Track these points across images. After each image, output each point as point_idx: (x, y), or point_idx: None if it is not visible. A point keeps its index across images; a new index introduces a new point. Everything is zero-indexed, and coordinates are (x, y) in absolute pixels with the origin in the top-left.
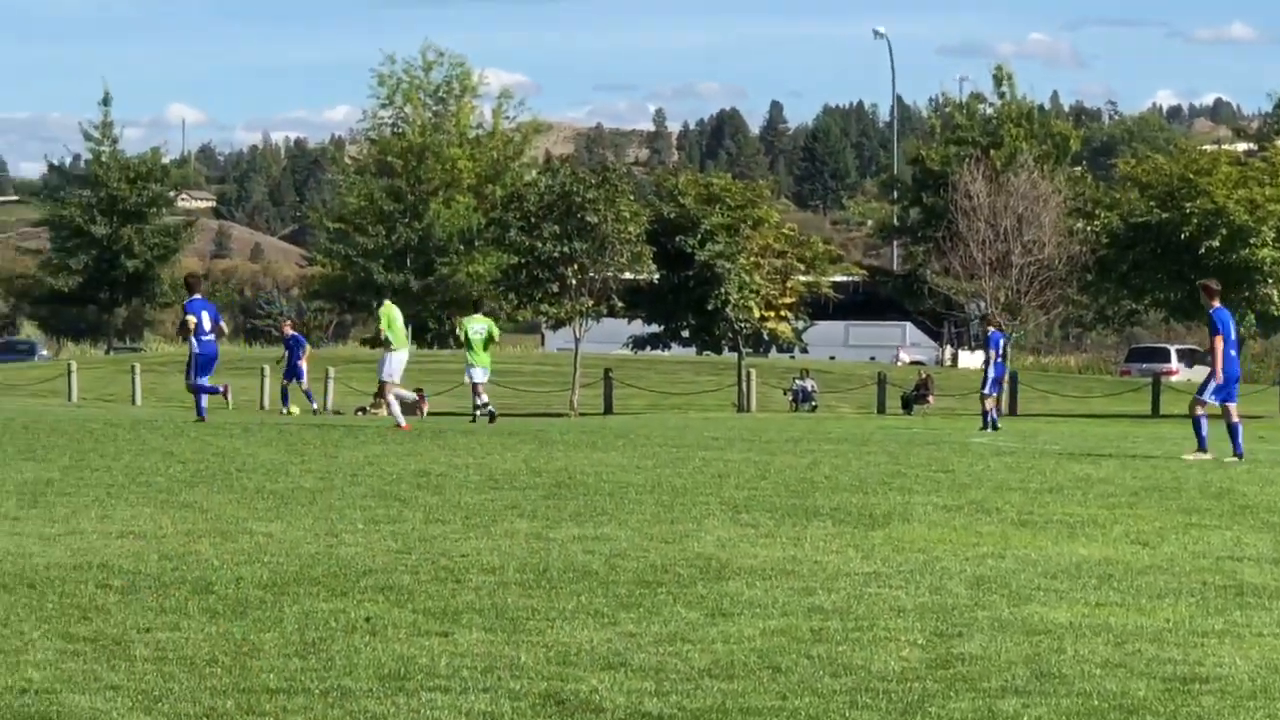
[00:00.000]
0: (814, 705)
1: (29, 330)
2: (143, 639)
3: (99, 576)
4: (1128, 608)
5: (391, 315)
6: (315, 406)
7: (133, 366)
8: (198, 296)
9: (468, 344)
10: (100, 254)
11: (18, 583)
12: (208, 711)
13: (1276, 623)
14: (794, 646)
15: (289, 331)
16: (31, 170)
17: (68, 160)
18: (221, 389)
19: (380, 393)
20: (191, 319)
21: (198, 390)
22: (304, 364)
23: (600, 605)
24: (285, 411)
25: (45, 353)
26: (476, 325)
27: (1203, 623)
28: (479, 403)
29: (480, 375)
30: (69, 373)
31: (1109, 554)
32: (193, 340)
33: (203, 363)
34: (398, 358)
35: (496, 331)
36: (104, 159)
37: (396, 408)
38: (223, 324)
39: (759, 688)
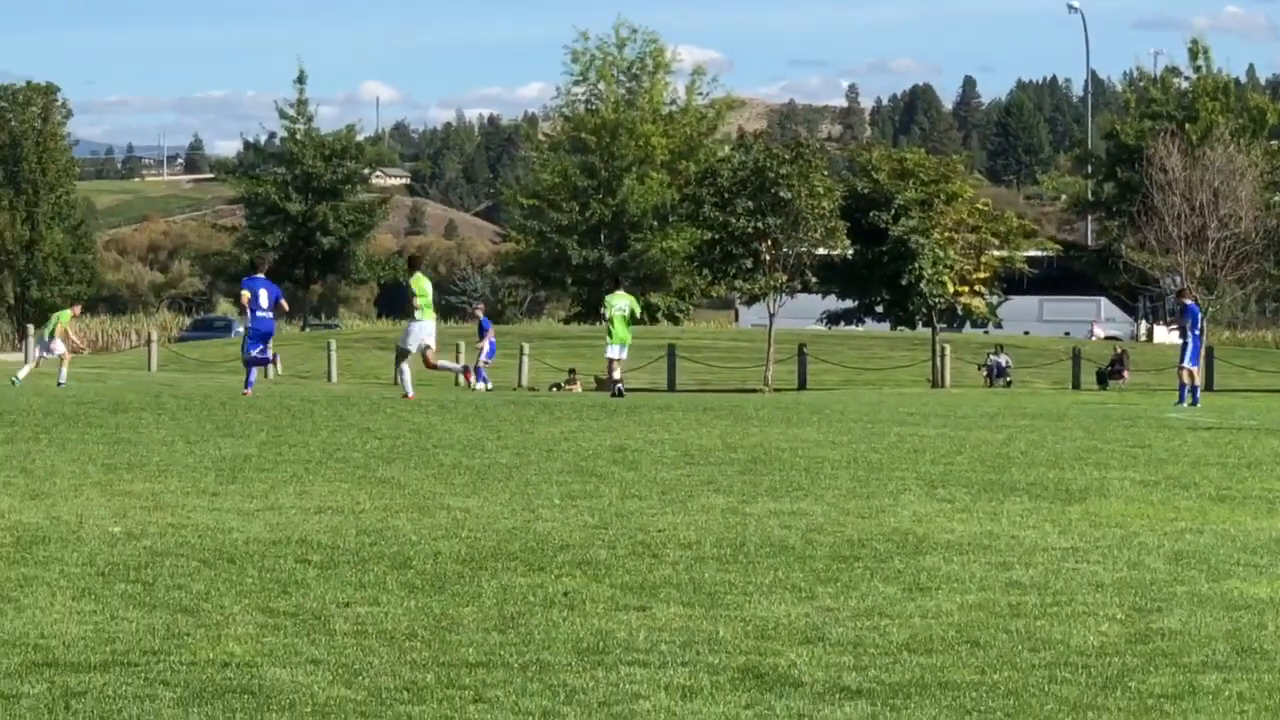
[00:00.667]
0: (1013, 679)
1: (225, 307)
2: (342, 613)
3: (298, 551)
4: None
5: (423, 286)
6: (482, 385)
7: (328, 343)
8: (259, 275)
9: (609, 320)
10: (295, 231)
11: (218, 558)
12: (407, 685)
13: None
14: (992, 621)
15: (480, 314)
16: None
17: (263, 138)
18: (271, 357)
19: (399, 360)
20: (246, 294)
21: (249, 363)
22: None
23: (797, 580)
24: (488, 388)
25: (241, 330)
26: (619, 303)
27: None
28: (614, 378)
29: (616, 352)
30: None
31: None
32: (248, 314)
33: (254, 336)
34: (420, 327)
35: (638, 308)
36: (299, 137)
37: (407, 377)
38: (283, 302)
39: (957, 662)
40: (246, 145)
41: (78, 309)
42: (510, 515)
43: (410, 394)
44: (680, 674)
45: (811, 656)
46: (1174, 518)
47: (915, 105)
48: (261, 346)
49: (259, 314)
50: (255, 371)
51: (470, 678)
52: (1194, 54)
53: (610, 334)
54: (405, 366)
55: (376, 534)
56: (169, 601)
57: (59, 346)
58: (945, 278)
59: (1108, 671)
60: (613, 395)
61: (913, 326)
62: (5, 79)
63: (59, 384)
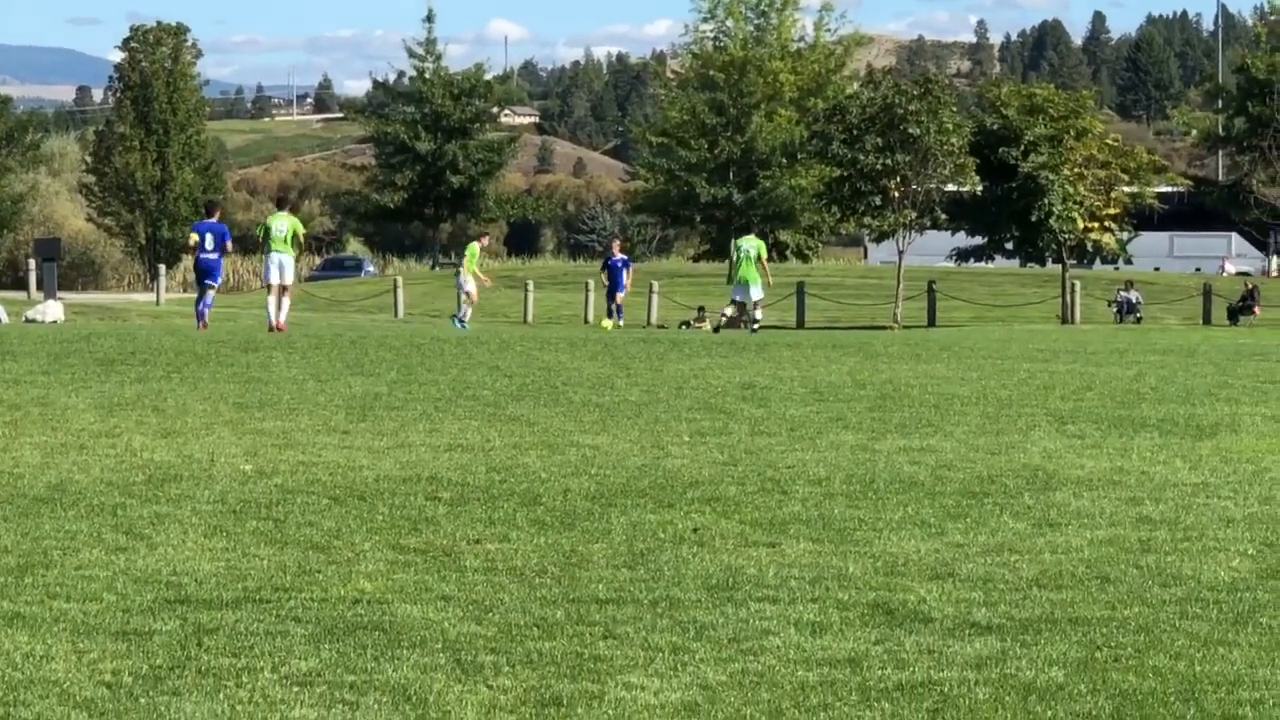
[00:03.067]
0: (1143, 615)
1: (355, 246)
2: (472, 550)
3: (428, 489)
4: None
5: (276, 225)
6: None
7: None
8: (207, 219)
9: (736, 263)
10: (425, 170)
11: (348, 495)
12: (538, 621)
13: None
14: (1122, 557)
15: (618, 253)
16: (357, 88)
17: (392, 77)
18: (209, 299)
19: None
20: (194, 237)
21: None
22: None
23: (927, 516)
24: (619, 324)
25: (372, 269)
26: (745, 245)
27: None
28: (743, 316)
29: (743, 293)
30: (395, 288)
31: None
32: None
33: (197, 276)
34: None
35: (764, 252)
36: (428, 75)
37: (270, 307)
38: (227, 243)
39: (1087, 598)
40: (375, 84)
41: (485, 240)
42: (639, 452)
43: (273, 323)
44: (809, 610)
45: (941, 592)
46: None
47: (1044, 40)
48: (205, 284)
49: (202, 255)
50: (205, 310)
51: (600, 614)
52: None
53: (731, 276)
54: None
55: (506, 471)
56: (300, 539)
57: (468, 283)
58: (1075, 214)
59: (1239, 607)
60: (751, 329)
61: (1042, 263)
62: (135, 20)
63: (460, 324)
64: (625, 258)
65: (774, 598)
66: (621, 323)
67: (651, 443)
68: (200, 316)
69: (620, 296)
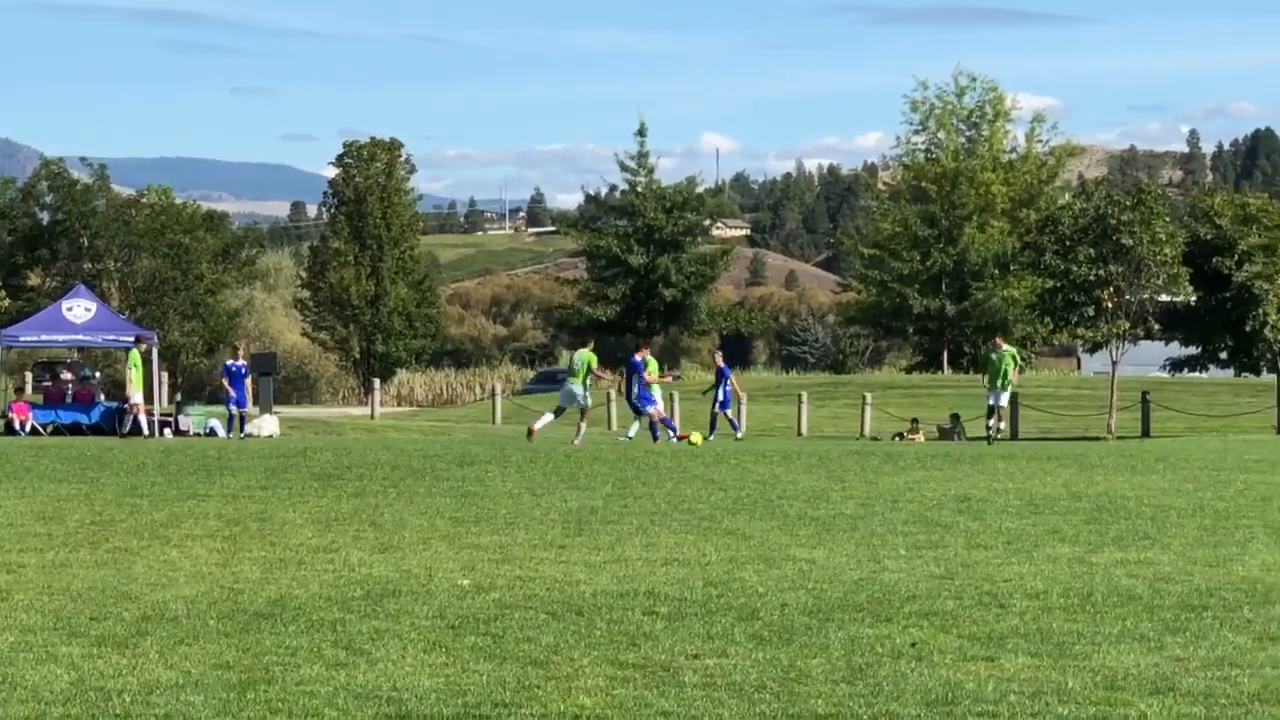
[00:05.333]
0: None
1: (567, 360)
2: (690, 665)
3: (645, 603)
4: None
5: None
6: (739, 433)
7: (671, 395)
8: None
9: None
10: (637, 283)
11: (566, 610)
12: None
13: None
14: None
15: (720, 363)
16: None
17: (604, 191)
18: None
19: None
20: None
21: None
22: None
23: (1146, 629)
24: (711, 437)
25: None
26: (997, 354)
27: None
28: (991, 424)
29: (993, 399)
30: (607, 402)
31: None
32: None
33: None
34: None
35: (1012, 361)
36: (640, 189)
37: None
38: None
39: None
40: (587, 198)
41: (645, 350)
42: (856, 566)
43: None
44: None
45: (1162, 707)
46: None
47: (1257, 149)
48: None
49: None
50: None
51: None
52: None
53: (986, 383)
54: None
55: (723, 585)
56: (518, 654)
57: (655, 398)
58: None
59: None
60: (993, 439)
61: (1257, 373)
62: (350, 136)
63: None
64: (724, 367)
65: (994, 713)
66: (740, 434)
67: (868, 556)
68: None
69: (728, 410)
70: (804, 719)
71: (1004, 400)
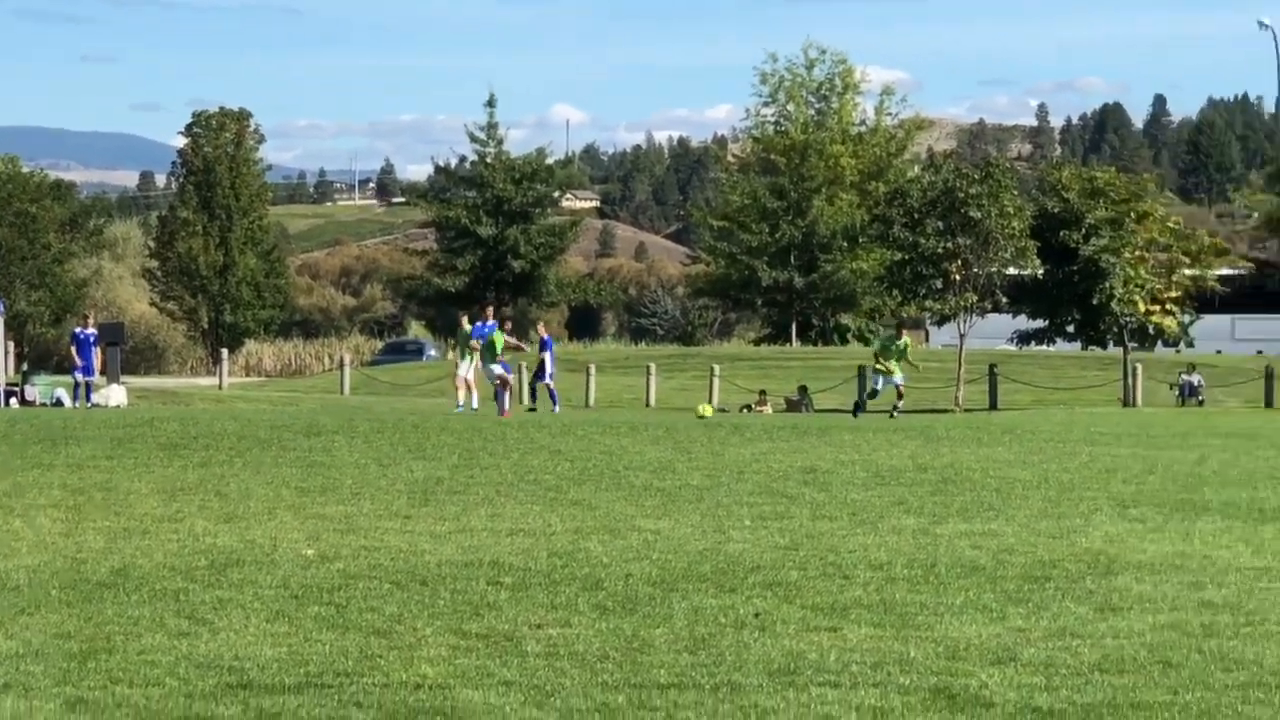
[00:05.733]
0: (1205, 700)
1: (417, 330)
2: (534, 635)
3: (490, 573)
4: None
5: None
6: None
7: (520, 366)
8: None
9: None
10: (486, 254)
11: (410, 580)
12: (599, 707)
13: None
14: (1185, 641)
15: (544, 334)
16: (419, 172)
17: (454, 162)
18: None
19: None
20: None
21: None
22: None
23: (988, 600)
24: (530, 408)
25: (433, 352)
26: (899, 342)
27: None
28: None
29: (894, 380)
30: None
31: None
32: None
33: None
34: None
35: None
36: (490, 160)
37: None
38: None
39: (1149, 682)
40: (437, 169)
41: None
42: (701, 537)
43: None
44: (871, 695)
45: (1003, 677)
46: None
47: (1105, 124)
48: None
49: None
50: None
51: (662, 699)
52: None
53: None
54: None
55: (568, 556)
56: (362, 623)
57: (498, 367)
58: (1136, 297)
59: None
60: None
61: (1104, 346)
62: (199, 106)
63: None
64: (547, 338)
65: (836, 683)
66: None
67: (713, 527)
68: None
69: (545, 380)
70: (646, 688)
71: (900, 379)
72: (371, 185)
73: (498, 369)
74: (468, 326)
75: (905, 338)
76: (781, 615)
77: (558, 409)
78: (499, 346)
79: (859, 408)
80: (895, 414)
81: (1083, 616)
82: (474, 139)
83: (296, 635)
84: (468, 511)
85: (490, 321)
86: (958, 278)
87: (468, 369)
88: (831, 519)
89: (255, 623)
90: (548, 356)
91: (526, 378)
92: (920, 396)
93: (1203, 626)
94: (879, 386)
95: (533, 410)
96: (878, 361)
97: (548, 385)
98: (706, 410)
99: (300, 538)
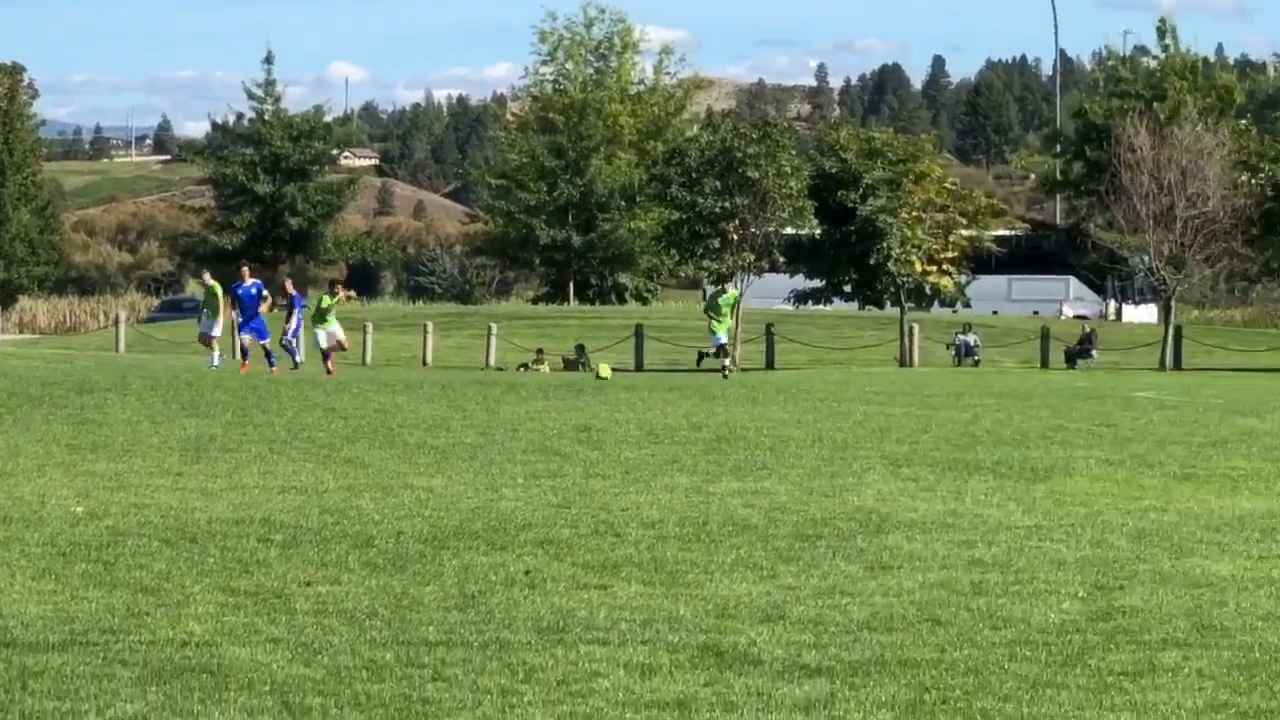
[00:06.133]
0: (973, 657)
1: (194, 288)
2: (303, 592)
3: (260, 531)
4: None
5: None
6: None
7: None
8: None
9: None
10: (263, 212)
11: (180, 537)
12: (367, 664)
13: None
14: (953, 599)
15: (291, 290)
16: (196, 129)
17: (231, 119)
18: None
19: None
20: None
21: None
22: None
23: (759, 559)
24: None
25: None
26: (725, 296)
27: None
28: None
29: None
30: (234, 330)
31: (1273, 507)
32: None
33: None
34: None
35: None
36: (267, 118)
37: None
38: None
39: (918, 640)
40: (215, 126)
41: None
42: (474, 495)
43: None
44: (639, 652)
45: (772, 635)
46: (1138, 496)
47: (884, 85)
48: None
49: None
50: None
51: (430, 656)
52: (1162, 33)
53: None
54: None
55: (339, 513)
56: (130, 581)
57: (338, 331)
58: (913, 257)
59: (1068, 649)
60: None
61: (880, 306)
62: None
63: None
64: (258, 283)
65: (604, 640)
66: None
67: (486, 485)
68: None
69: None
70: (414, 645)
71: (724, 338)
72: (149, 142)
73: (322, 334)
74: (213, 283)
75: (731, 290)
76: (552, 573)
77: (275, 369)
78: (326, 308)
79: (703, 356)
80: (727, 373)
81: (853, 574)
82: (252, 96)
83: (63, 593)
84: (240, 469)
85: (250, 282)
86: (735, 237)
87: (214, 326)
88: (605, 477)
89: (21, 580)
90: (296, 314)
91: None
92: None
93: (972, 584)
94: (723, 341)
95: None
96: (711, 318)
97: (266, 344)
98: (605, 371)
99: (69, 495)
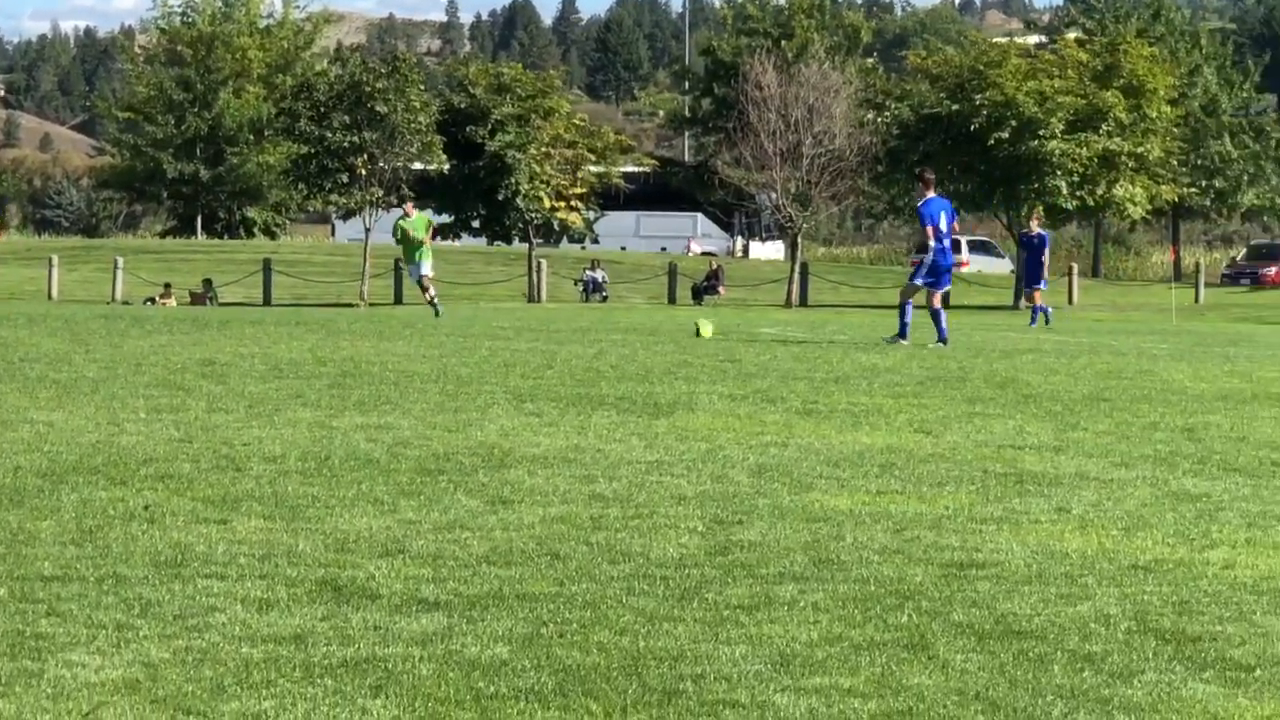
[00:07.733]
0: (591, 591)
1: None
2: None
3: None
4: (908, 495)
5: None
6: None
7: None
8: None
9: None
10: None
11: None
12: None
13: (1054, 509)
14: (573, 534)
15: None
16: None
17: None
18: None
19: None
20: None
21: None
22: None
23: (381, 493)
24: None
25: None
26: (410, 219)
27: (982, 510)
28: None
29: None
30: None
31: (892, 442)
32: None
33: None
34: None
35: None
36: None
37: None
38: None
39: (537, 574)
40: None
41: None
42: (94, 429)
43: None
44: (257, 586)
45: (391, 569)
46: (759, 431)
47: (515, 21)
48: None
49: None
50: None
51: (45, 591)
52: None
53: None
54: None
55: None
56: None
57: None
58: (542, 193)
59: (686, 583)
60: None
61: (509, 242)
62: None
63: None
64: None
65: (222, 574)
66: None
67: (107, 419)
68: None
69: None
70: (29, 581)
71: (428, 269)
72: None
73: None
74: None
75: (416, 213)
76: (171, 507)
77: None
78: None
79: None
80: (439, 313)
81: (473, 509)
82: None
83: None
84: None
85: None
86: (364, 172)
87: None
88: (228, 411)
89: None
90: None
91: None
92: (325, 290)
93: (592, 519)
94: (426, 272)
95: None
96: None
97: None
98: (707, 330)
99: None
